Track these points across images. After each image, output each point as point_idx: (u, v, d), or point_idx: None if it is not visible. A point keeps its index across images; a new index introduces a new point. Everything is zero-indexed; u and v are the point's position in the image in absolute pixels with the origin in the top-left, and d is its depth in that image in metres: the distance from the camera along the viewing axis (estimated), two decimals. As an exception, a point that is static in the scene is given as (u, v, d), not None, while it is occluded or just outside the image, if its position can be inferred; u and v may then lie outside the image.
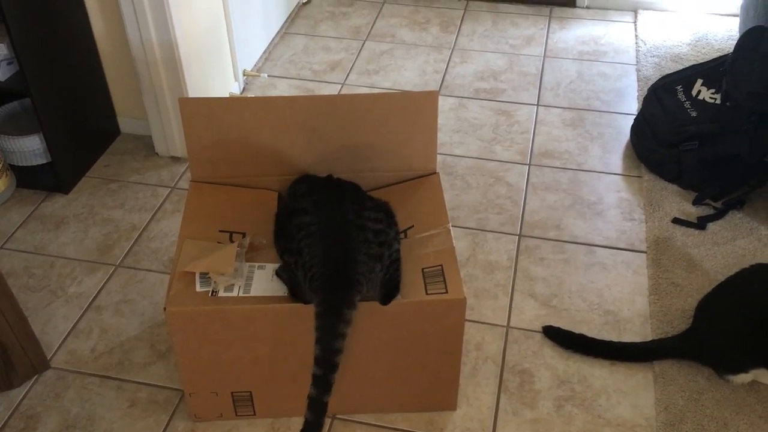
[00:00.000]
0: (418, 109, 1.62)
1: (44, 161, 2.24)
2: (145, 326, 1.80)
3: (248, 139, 1.64)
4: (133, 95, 2.32)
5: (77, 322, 1.81)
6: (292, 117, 1.63)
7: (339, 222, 1.43)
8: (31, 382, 1.67)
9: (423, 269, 1.46)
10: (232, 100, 1.78)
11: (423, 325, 1.44)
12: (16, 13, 1.87)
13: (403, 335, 1.45)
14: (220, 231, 1.56)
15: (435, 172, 1.70)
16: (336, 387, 1.36)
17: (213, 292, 1.41)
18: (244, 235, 1.54)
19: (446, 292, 1.40)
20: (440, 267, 1.46)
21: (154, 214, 2.13)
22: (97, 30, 2.21)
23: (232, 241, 1.53)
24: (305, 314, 1.37)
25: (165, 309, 1.37)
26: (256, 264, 1.48)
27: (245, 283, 1.43)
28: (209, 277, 1.42)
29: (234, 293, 1.41)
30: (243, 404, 1.55)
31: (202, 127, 1.63)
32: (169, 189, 2.22)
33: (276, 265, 1.47)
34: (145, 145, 2.38)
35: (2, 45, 2.02)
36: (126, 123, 2.42)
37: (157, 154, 2.35)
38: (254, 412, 1.57)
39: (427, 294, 1.41)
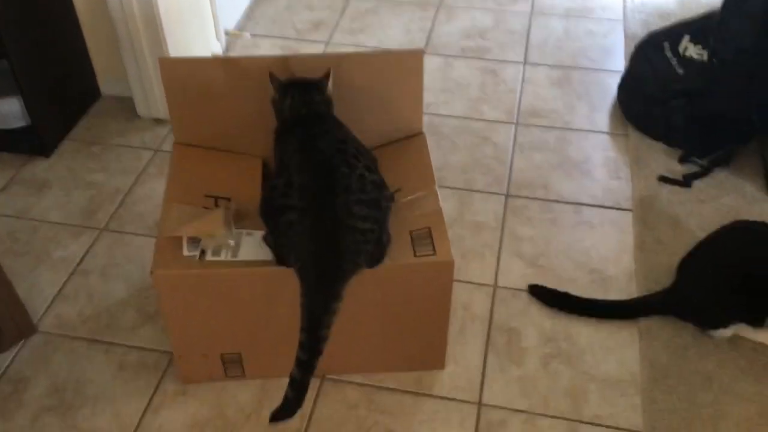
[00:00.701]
0: (403, 68, 1.60)
1: (23, 124, 2.19)
2: (132, 290, 1.79)
3: (231, 101, 1.62)
4: (113, 55, 2.27)
5: (63, 286, 1.80)
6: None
7: (330, 219, 1.30)
8: (18, 346, 1.66)
9: (411, 232, 1.46)
10: (213, 61, 1.75)
11: (411, 288, 1.44)
12: (-11, -29, 1.82)
13: (391, 297, 1.45)
14: (205, 196, 1.55)
15: (421, 133, 1.69)
16: (327, 352, 1.37)
17: (201, 255, 1.40)
18: (229, 200, 1.53)
19: (434, 255, 1.41)
20: (428, 229, 1.46)
21: (138, 177, 2.10)
22: (74, -12, 2.15)
23: (217, 206, 1.52)
24: (293, 278, 1.37)
25: (152, 272, 1.37)
26: (244, 230, 1.46)
27: (233, 248, 1.42)
28: (197, 241, 1.41)
29: (222, 257, 1.40)
30: (233, 366, 1.55)
31: (184, 88, 1.60)
32: (153, 151, 2.19)
33: (263, 232, 1.46)
34: (126, 107, 2.34)
35: (-24, 4, 1.96)
36: (107, 84, 2.38)
37: (139, 116, 2.31)
38: (244, 373, 1.57)
39: (415, 256, 1.41)
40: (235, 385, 1.59)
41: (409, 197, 1.53)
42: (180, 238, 1.42)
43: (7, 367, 1.63)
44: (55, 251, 1.89)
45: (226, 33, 2.57)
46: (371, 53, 1.58)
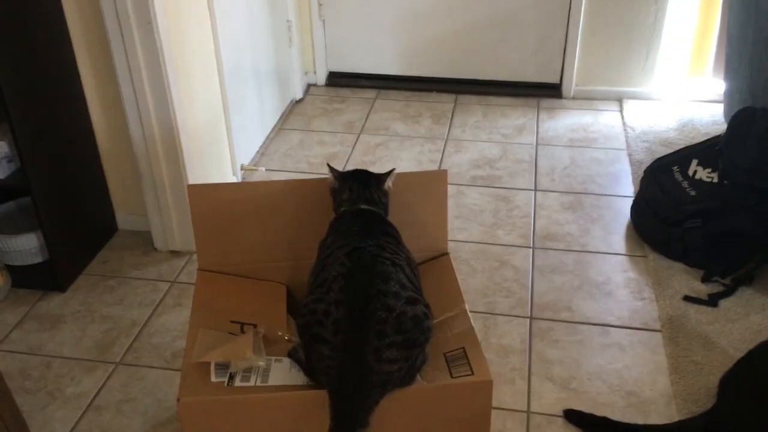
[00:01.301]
0: (428, 188, 1.63)
1: (40, 260, 2.19)
2: (148, 426, 1.70)
3: (257, 224, 1.63)
4: (131, 192, 2.31)
5: (76, 424, 1.72)
6: (301, 200, 1.62)
7: (358, 363, 1.28)
8: (28, 490, 1.56)
9: (445, 354, 1.41)
10: (240, 185, 1.77)
11: (449, 411, 1.37)
12: (18, 112, 1.87)
13: (428, 422, 1.38)
14: (231, 321, 1.51)
15: (446, 253, 1.68)
16: None
17: (229, 381, 1.34)
18: (255, 326, 1.50)
19: (472, 374, 1.35)
20: (462, 349, 1.42)
21: (155, 309, 2.07)
22: (97, 127, 2.21)
23: (243, 332, 1.48)
24: (325, 403, 1.30)
25: (178, 400, 1.30)
26: (273, 357, 1.42)
27: (262, 374, 1.36)
28: (225, 366, 1.36)
29: (251, 383, 1.35)
30: (258, 505, 1.45)
31: (210, 214, 1.61)
32: (170, 283, 2.17)
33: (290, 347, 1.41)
34: (143, 241, 2.34)
35: (2, 143, 2.01)
36: (124, 219, 2.39)
37: (155, 249, 2.31)
38: None
39: (452, 377, 1.36)
40: None
41: (439, 318, 1.50)
42: (207, 365, 1.37)
43: None
44: (68, 387, 1.82)
45: (242, 168, 2.63)
46: (398, 174, 1.60)
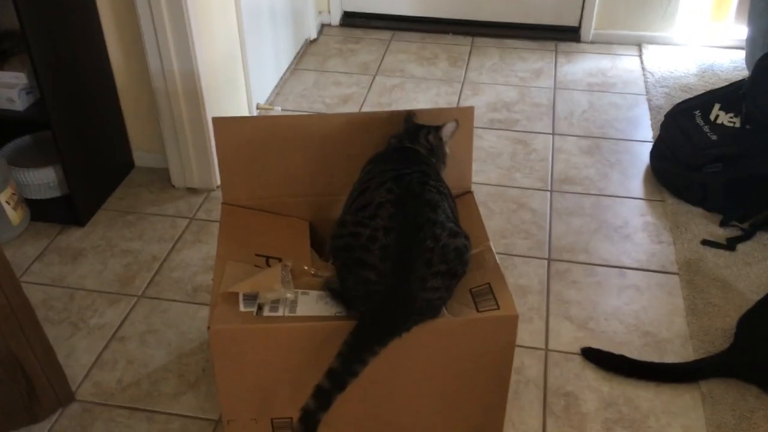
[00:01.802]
0: (455, 126, 1.61)
1: (58, 194, 2.20)
2: (172, 356, 1.73)
3: (281, 159, 1.62)
4: (148, 128, 2.30)
5: (101, 353, 1.74)
6: (326, 135, 1.61)
7: (404, 289, 1.28)
8: (56, 415, 1.59)
9: (471, 289, 1.42)
10: (264, 119, 1.75)
11: (474, 345, 1.39)
12: (38, 42, 1.85)
13: (453, 356, 1.40)
14: (256, 255, 1.52)
15: (470, 191, 1.68)
16: (380, 415, 1.31)
17: (258, 311, 1.36)
18: (280, 260, 1.50)
19: (498, 309, 1.36)
20: (488, 285, 1.42)
21: (174, 245, 2.08)
22: (115, 62, 2.19)
23: (268, 266, 1.49)
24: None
25: (209, 327, 1.32)
26: (299, 290, 1.42)
27: (290, 305, 1.38)
28: (253, 297, 1.37)
29: (280, 313, 1.36)
30: (283, 432, 1.48)
31: (234, 148, 1.60)
32: (188, 220, 2.18)
33: (318, 293, 1.42)
34: (159, 178, 2.34)
35: (21, 74, 1.99)
36: (140, 156, 2.39)
37: (173, 186, 2.31)
38: (294, 440, 1.50)
39: (478, 311, 1.37)
40: (284, 454, 1.51)
41: (464, 255, 1.50)
42: (236, 295, 1.38)
43: (45, 437, 1.55)
44: (92, 318, 1.84)
45: (258, 107, 2.61)
46: (424, 110, 1.59)
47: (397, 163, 1.45)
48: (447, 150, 1.55)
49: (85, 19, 2.06)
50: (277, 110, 2.68)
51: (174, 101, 2.13)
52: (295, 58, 3.04)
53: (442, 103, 2.75)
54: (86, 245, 2.08)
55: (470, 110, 1.61)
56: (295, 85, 2.88)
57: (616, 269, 1.98)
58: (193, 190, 2.29)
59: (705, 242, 2.04)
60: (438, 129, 1.53)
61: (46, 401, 1.56)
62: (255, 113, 2.60)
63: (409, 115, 1.57)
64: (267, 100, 2.74)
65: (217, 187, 2.29)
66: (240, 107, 2.48)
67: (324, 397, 1.26)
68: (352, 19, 3.33)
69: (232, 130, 1.59)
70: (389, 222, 1.30)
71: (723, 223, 2.11)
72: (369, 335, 1.29)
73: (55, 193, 2.19)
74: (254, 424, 1.46)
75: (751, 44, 2.70)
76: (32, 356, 1.51)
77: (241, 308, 1.36)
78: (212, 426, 1.57)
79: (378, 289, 1.28)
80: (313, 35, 3.20)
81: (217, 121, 1.58)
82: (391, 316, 1.29)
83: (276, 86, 2.84)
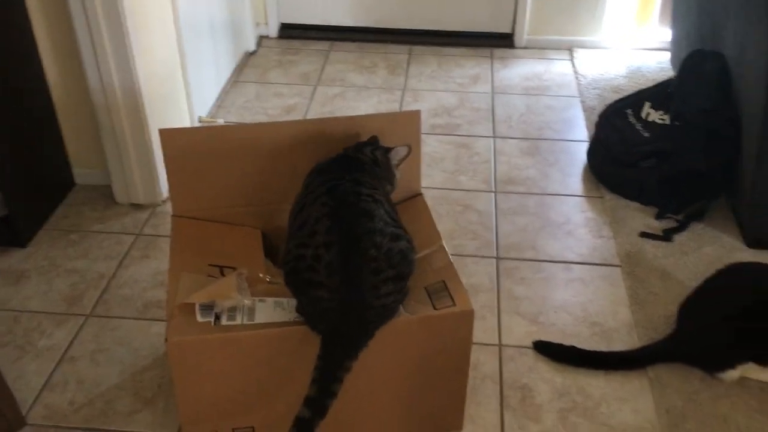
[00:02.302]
0: (401, 129, 1.64)
1: (-3, 215, 2.13)
2: (125, 374, 1.70)
3: (230, 169, 1.62)
4: (88, 145, 2.25)
5: (51, 375, 1.70)
6: (274, 143, 1.62)
7: (358, 300, 1.29)
8: (7, 441, 1.55)
9: (426, 287, 1.45)
10: (212, 129, 1.75)
11: (432, 342, 1.42)
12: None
13: (411, 353, 1.42)
14: (209, 265, 1.51)
15: (420, 194, 1.71)
16: (341, 416, 1.32)
17: (216, 321, 1.35)
18: (235, 269, 1.50)
19: (454, 305, 1.40)
20: (443, 282, 1.46)
21: (122, 262, 2.04)
22: (51, 79, 2.15)
23: (223, 275, 1.49)
24: (313, 337, 1.33)
25: (167, 340, 1.31)
26: (256, 297, 1.43)
27: (248, 312, 1.38)
28: (210, 307, 1.37)
29: (237, 321, 1.36)
30: (244, 442, 1.47)
31: (183, 159, 1.59)
32: (134, 236, 2.14)
33: (275, 299, 1.42)
34: (102, 195, 2.30)
35: (-46, 94, 1.93)
36: (80, 174, 2.34)
37: (116, 202, 2.27)
38: (256, 450, 1.49)
39: (435, 309, 1.40)
40: (246, 464, 1.50)
41: (418, 255, 1.53)
42: (192, 306, 1.37)
43: (-4, 463, 1.50)
44: (39, 340, 1.79)
45: (200, 120, 2.59)
46: (371, 115, 1.62)
47: (333, 173, 1.45)
48: (396, 173, 1.56)
49: (18, 36, 2.02)
50: (220, 122, 2.66)
51: (115, 116, 2.10)
52: (234, 70, 3.03)
53: (384, 110, 2.78)
54: (29, 266, 2.02)
55: (417, 114, 1.64)
56: (236, 98, 2.87)
57: (562, 264, 2.05)
58: (137, 206, 2.26)
59: (643, 234, 2.13)
60: (387, 150, 1.54)
61: (-4, 427, 1.52)
62: (198, 126, 2.58)
63: (373, 137, 1.58)
64: (209, 113, 2.73)
65: (163, 201, 2.27)
66: (182, 120, 2.45)
67: (306, 427, 1.26)
68: (289, 31, 3.34)
69: (179, 142, 1.59)
70: (328, 237, 1.30)
71: (659, 216, 2.20)
72: (336, 354, 1.30)
73: (-6, 215, 2.13)
74: (215, 436, 1.45)
75: (676, 45, 2.83)
76: (-20, 382, 1.46)
77: (199, 318, 1.36)
78: (171, 441, 1.55)
79: (331, 306, 1.29)
80: (252, 47, 3.20)
81: (164, 132, 1.57)
82: (351, 330, 1.30)
83: (217, 99, 2.83)
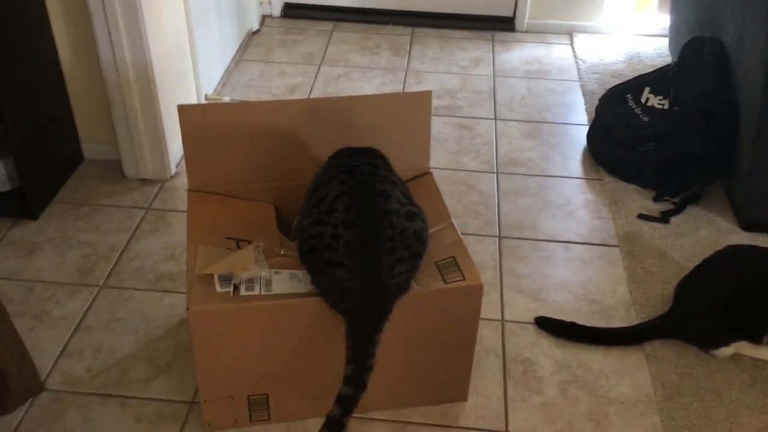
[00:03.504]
0: (412, 108, 1.68)
1: (8, 188, 2.16)
2: (140, 343, 1.75)
3: (245, 145, 1.66)
4: (98, 120, 2.28)
5: (67, 343, 1.75)
6: (288, 120, 1.66)
7: (376, 280, 1.34)
8: (27, 405, 1.59)
9: (436, 263, 1.50)
10: (229, 106, 1.78)
11: (441, 315, 1.47)
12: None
13: (421, 326, 1.48)
14: (226, 238, 1.56)
15: (429, 172, 1.76)
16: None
17: (234, 291, 1.40)
18: (250, 242, 1.55)
19: (464, 279, 1.45)
20: (453, 258, 1.51)
21: (133, 235, 2.08)
22: (63, 55, 2.17)
23: (239, 248, 1.53)
24: (329, 310, 1.38)
25: (188, 309, 1.36)
26: (272, 270, 1.47)
27: (265, 284, 1.43)
28: (228, 278, 1.41)
29: (255, 292, 1.41)
30: (259, 409, 1.53)
31: (200, 135, 1.63)
32: (144, 210, 2.18)
33: (291, 272, 1.47)
34: (111, 170, 2.33)
35: (-32, 67, 1.95)
36: (89, 148, 2.37)
37: (126, 177, 2.30)
38: (269, 416, 1.55)
39: (445, 283, 1.45)
40: (260, 430, 1.55)
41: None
42: (211, 277, 1.42)
43: (17, 427, 1.55)
44: (54, 310, 1.84)
45: (206, 98, 2.62)
46: (382, 95, 1.66)
47: (349, 157, 1.50)
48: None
49: (31, 11, 2.04)
50: (226, 100, 2.69)
51: (126, 92, 2.13)
52: (239, 49, 3.05)
53: (387, 90, 2.81)
54: (41, 238, 2.06)
55: (428, 94, 1.68)
56: (240, 76, 2.90)
57: (562, 244, 2.10)
58: (147, 181, 2.29)
59: (641, 216, 2.19)
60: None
61: (16, 391, 1.56)
62: (204, 104, 2.61)
63: None
64: (214, 90, 2.75)
65: (172, 176, 2.30)
66: (189, 98, 2.48)
67: (348, 402, 1.34)
68: (293, 10, 3.37)
69: (196, 118, 1.63)
70: (347, 215, 1.34)
71: (656, 199, 2.26)
72: (363, 332, 1.36)
73: (5, 187, 2.16)
74: (231, 402, 1.51)
75: (674, 32, 2.88)
76: (2, 347, 1.51)
77: (218, 289, 1.40)
78: (186, 408, 1.60)
79: (351, 286, 1.34)
80: (255, 26, 3.22)
81: (182, 108, 1.61)
82: (372, 309, 1.36)
83: (222, 77, 2.86)
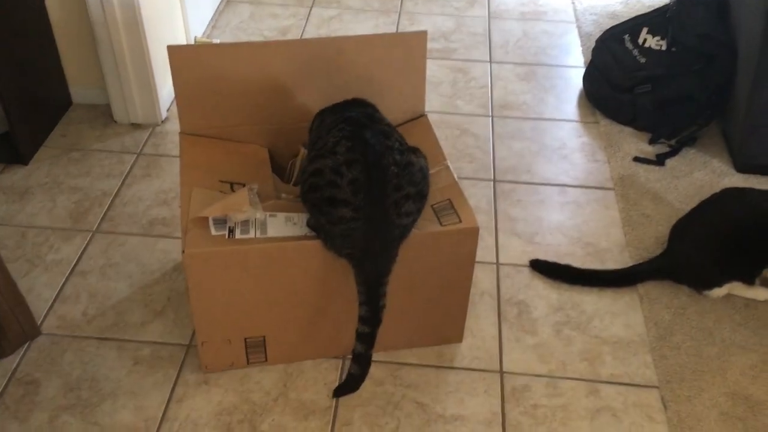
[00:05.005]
0: (407, 50, 1.65)
1: (-3, 132, 2.13)
2: (135, 287, 1.75)
3: (237, 87, 1.63)
4: (86, 63, 2.24)
5: (62, 288, 1.74)
6: (281, 61, 1.63)
7: (382, 218, 1.32)
8: (24, 349, 1.60)
9: (432, 206, 1.49)
10: (221, 47, 1.74)
11: (438, 257, 1.47)
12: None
13: (417, 268, 1.48)
14: (220, 181, 1.54)
15: (424, 114, 1.74)
16: (347, 328, 1.41)
17: (229, 234, 1.39)
18: (244, 185, 1.53)
19: (460, 222, 1.45)
20: (449, 201, 1.50)
21: (124, 180, 2.06)
22: (47, -4, 2.12)
23: (233, 191, 1.52)
24: (324, 252, 1.38)
25: (183, 252, 1.35)
26: (267, 213, 1.46)
27: (260, 226, 1.42)
28: (223, 221, 1.40)
29: (251, 235, 1.40)
30: (255, 351, 1.54)
31: (191, 77, 1.60)
32: (135, 155, 2.16)
33: (286, 215, 1.46)
34: (101, 114, 2.30)
35: (-50, 7, 1.90)
36: (78, 93, 2.33)
37: (115, 121, 2.27)
38: (266, 358, 1.56)
39: (441, 225, 1.45)
40: (257, 371, 1.57)
41: (423, 174, 1.57)
42: (205, 220, 1.41)
43: (15, 369, 1.56)
44: (48, 255, 1.83)
45: (196, 41, 2.57)
46: (376, 36, 1.63)
47: (343, 110, 1.46)
48: None
49: (13, -53, 1.98)
50: (216, 43, 2.64)
51: (114, 33, 2.08)
52: (228, -11, 2.98)
53: (381, 33, 2.76)
54: (32, 183, 2.04)
55: (423, 35, 1.65)
56: (231, 18, 2.83)
57: (557, 187, 2.10)
58: (137, 126, 2.26)
59: (636, 159, 2.18)
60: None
61: (12, 335, 1.57)
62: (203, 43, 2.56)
63: None
64: (204, 33, 2.70)
65: (162, 121, 2.27)
66: (178, 40, 2.43)
67: (368, 338, 1.37)
68: (283, -50, 3.27)
69: (187, 59, 1.59)
70: (350, 155, 1.31)
71: (652, 141, 2.25)
72: (373, 275, 1.36)
73: (-6, 132, 2.13)
74: (228, 345, 1.52)
75: (674, -29, 2.82)
76: (-3, 292, 1.50)
77: (213, 232, 1.40)
78: (183, 350, 1.61)
79: (356, 225, 1.31)
80: (245, -34, 3.14)
81: (171, 49, 1.57)
82: (379, 251, 1.35)
83: (212, 19, 2.79)
